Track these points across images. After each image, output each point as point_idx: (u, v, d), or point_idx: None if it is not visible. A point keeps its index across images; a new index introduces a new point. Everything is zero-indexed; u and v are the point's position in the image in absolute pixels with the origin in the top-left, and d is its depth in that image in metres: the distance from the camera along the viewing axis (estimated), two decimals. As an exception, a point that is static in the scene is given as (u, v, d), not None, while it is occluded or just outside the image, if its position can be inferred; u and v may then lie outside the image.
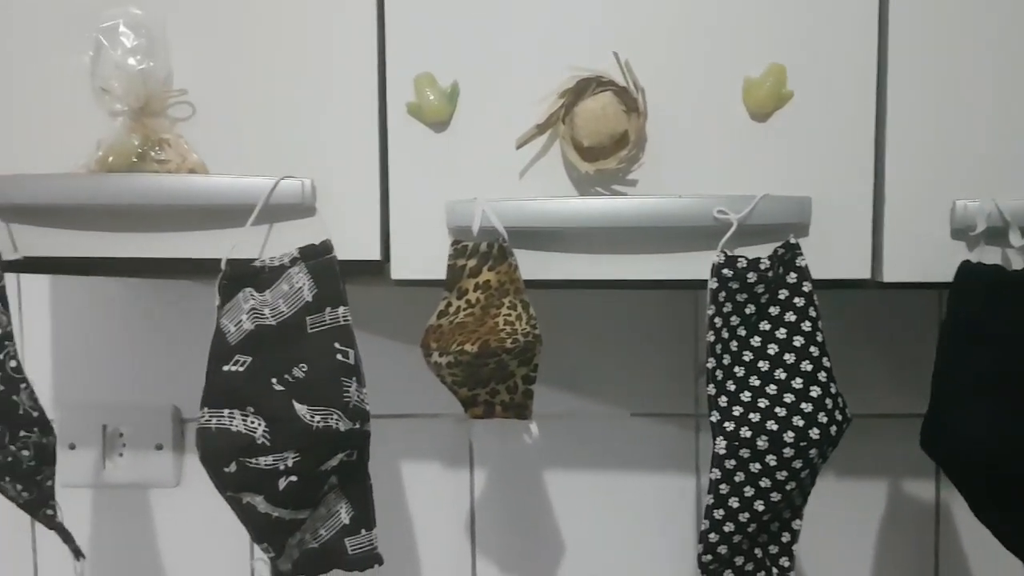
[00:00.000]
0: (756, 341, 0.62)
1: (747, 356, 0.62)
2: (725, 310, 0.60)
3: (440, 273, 0.64)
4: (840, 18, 0.61)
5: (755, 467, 0.60)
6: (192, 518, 0.96)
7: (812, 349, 0.61)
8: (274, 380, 0.63)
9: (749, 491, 0.60)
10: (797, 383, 0.60)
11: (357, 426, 0.64)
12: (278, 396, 0.62)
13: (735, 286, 0.60)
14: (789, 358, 0.61)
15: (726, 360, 0.61)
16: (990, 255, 0.61)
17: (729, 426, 0.60)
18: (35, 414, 0.61)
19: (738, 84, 0.61)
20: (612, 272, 0.62)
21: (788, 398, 0.60)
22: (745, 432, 0.59)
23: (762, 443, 0.59)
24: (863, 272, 0.62)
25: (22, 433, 0.60)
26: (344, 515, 0.67)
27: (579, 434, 0.95)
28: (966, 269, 0.60)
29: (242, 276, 0.63)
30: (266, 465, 0.61)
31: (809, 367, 0.60)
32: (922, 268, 0.61)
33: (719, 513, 0.61)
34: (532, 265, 0.63)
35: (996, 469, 0.58)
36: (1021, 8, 0.60)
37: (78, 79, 0.63)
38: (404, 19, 0.63)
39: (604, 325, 0.94)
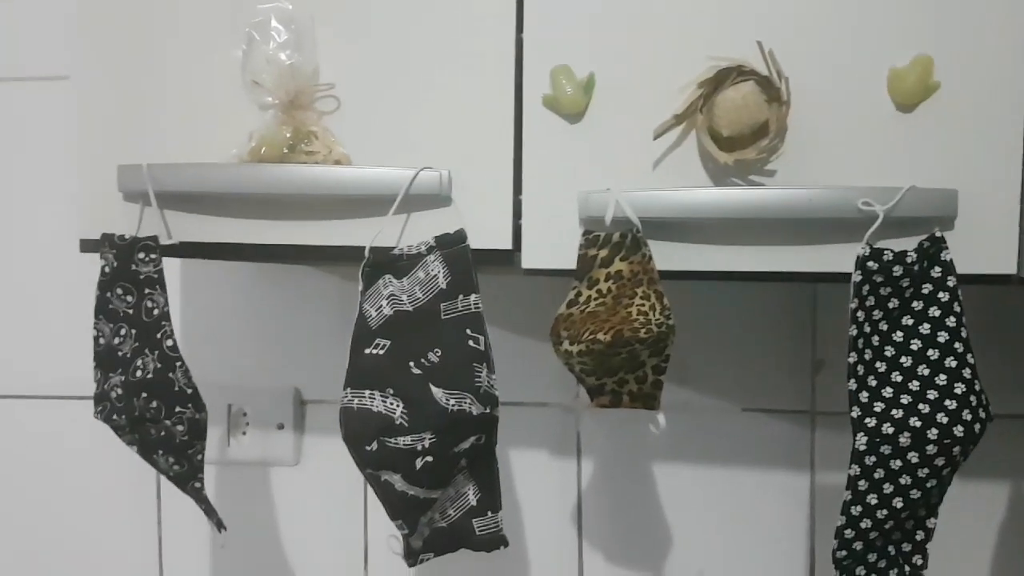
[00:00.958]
0: (898, 336, 0.61)
1: (889, 351, 0.60)
2: (868, 304, 0.59)
3: (570, 263, 0.65)
4: (988, 8, 0.59)
5: (896, 464, 0.59)
6: (310, 496, 1.00)
7: (956, 345, 0.59)
8: (412, 364, 0.65)
9: (888, 488, 0.59)
10: (941, 379, 0.59)
11: (487, 411, 0.66)
12: (416, 379, 0.64)
13: (879, 279, 0.59)
14: (932, 354, 0.60)
15: (867, 355, 0.60)
16: None
17: (870, 422, 0.59)
18: (189, 391, 0.64)
19: (883, 75, 0.60)
20: (750, 264, 0.62)
21: (931, 395, 0.59)
22: (887, 428, 0.58)
23: (904, 440, 0.58)
24: (1009, 267, 0.61)
25: (177, 409, 0.64)
26: (472, 497, 0.69)
27: (688, 428, 0.95)
28: None
29: (382, 263, 0.66)
30: (404, 445, 0.63)
31: (953, 363, 0.59)
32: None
33: (856, 509, 0.60)
34: (666, 256, 0.63)
35: None
36: None
37: (231, 73, 0.66)
38: (542, 12, 0.64)
39: (717, 318, 0.93)
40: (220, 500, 1.01)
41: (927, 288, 0.60)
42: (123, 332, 0.65)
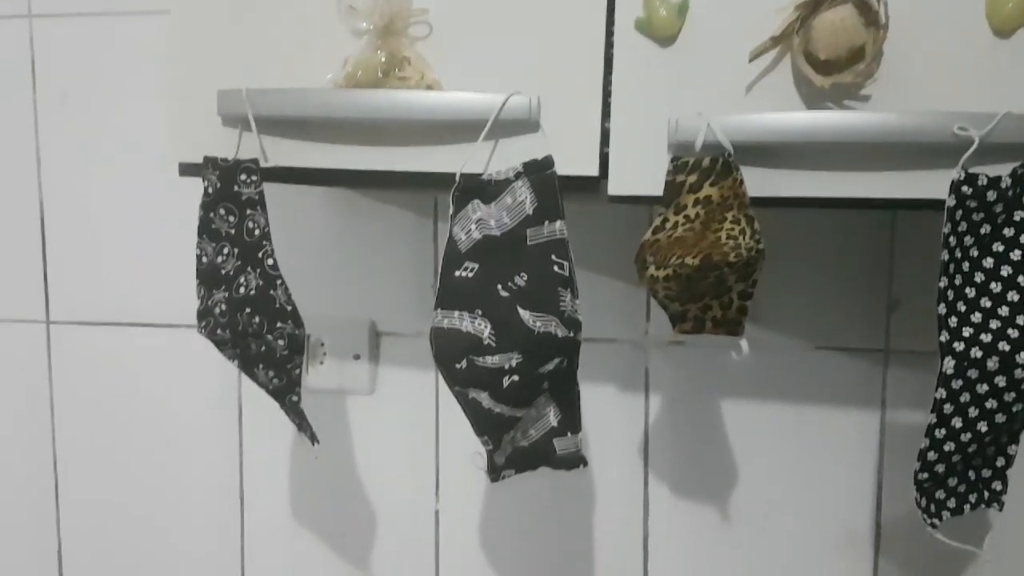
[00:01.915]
0: (989, 263, 0.60)
1: (979, 277, 0.60)
2: (960, 229, 0.60)
3: (656, 190, 0.66)
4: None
5: (983, 388, 0.59)
6: (384, 423, 1.04)
7: (1050, 271, 0.59)
8: (499, 287, 0.67)
9: (974, 411, 0.60)
10: (1035, 302, 0.59)
11: (571, 334, 0.67)
12: (503, 301, 0.66)
13: (973, 204, 0.59)
14: (1023, 280, 0.59)
15: (958, 280, 0.60)
16: None
17: (959, 346, 0.59)
18: (289, 308, 0.67)
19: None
20: (844, 190, 0.62)
21: (1021, 320, 0.59)
22: (975, 352, 0.59)
23: (992, 364, 0.58)
24: (1110, 194, 0.60)
25: (278, 324, 0.67)
26: (552, 418, 0.71)
27: (760, 365, 0.96)
28: None
29: (472, 188, 0.67)
30: (492, 364, 0.66)
31: (1049, 289, 0.59)
32: None
33: (940, 432, 0.61)
34: (757, 181, 0.63)
35: None
36: None
37: (323, 11, 0.68)
38: (635, -65, 0.63)
39: (793, 255, 0.93)
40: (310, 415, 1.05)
41: (1020, 215, 0.60)
42: (226, 251, 0.68)
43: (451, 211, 0.67)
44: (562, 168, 0.67)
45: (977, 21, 0.60)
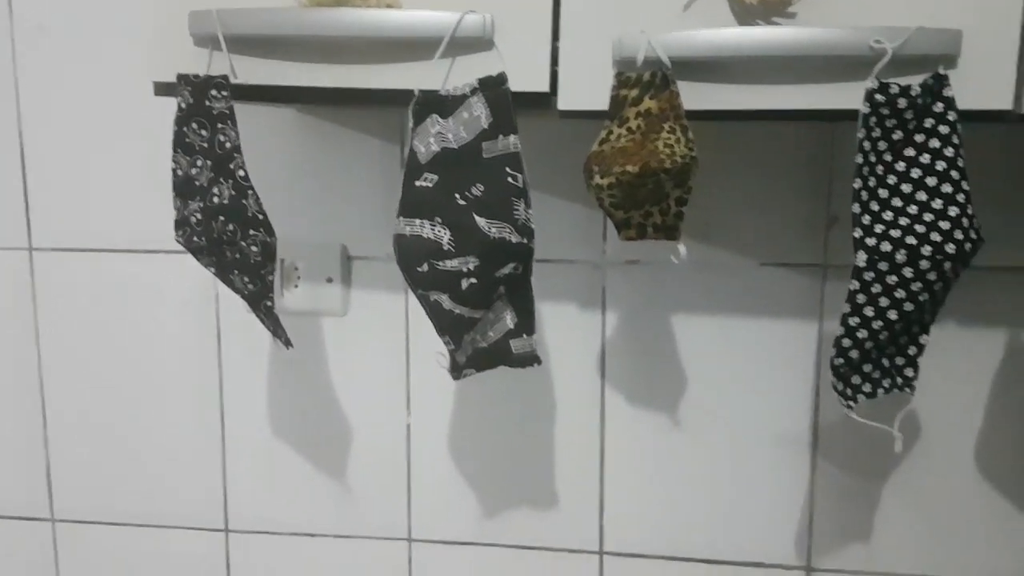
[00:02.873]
0: (901, 166, 0.66)
1: (891, 179, 0.66)
2: (874, 135, 0.65)
3: (603, 104, 0.71)
4: None
5: (892, 279, 0.65)
6: (357, 343, 1.09)
7: (953, 173, 0.65)
8: (457, 196, 0.72)
9: (884, 301, 0.66)
10: (937, 204, 0.65)
11: (525, 241, 0.73)
12: (461, 209, 0.72)
13: (886, 111, 0.64)
14: (931, 181, 0.66)
15: (872, 182, 0.66)
16: None
17: (871, 241, 0.65)
18: (260, 217, 0.72)
19: (901, -83, 0.64)
20: (770, 102, 0.67)
21: (927, 216, 0.65)
22: (885, 246, 0.65)
23: (901, 256, 0.65)
24: (1006, 104, 0.66)
25: (251, 232, 0.71)
26: (509, 321, 0.77)
27: (708, 282, 1.02)
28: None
29: (430, 103, 0.72)
30: (451, 267, 0.71)
31: (949, 189, 0.65)
32: (1070, 98, 0.64)
33: (854, 320, 0.67)
34: (693, 95, 0.69)
35: None
36: None
37: (289, -76, 0.71)
38: None
39: (741, 177, 0.99)
40: (277, 344, 1.11)
41: (929, 122, 0.66)
42: (199, 163, 0.72)
43: (410, 124, 0.72)
44: (515, 84, 0.71)
45: (895, -57, 0.65)
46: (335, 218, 1.07)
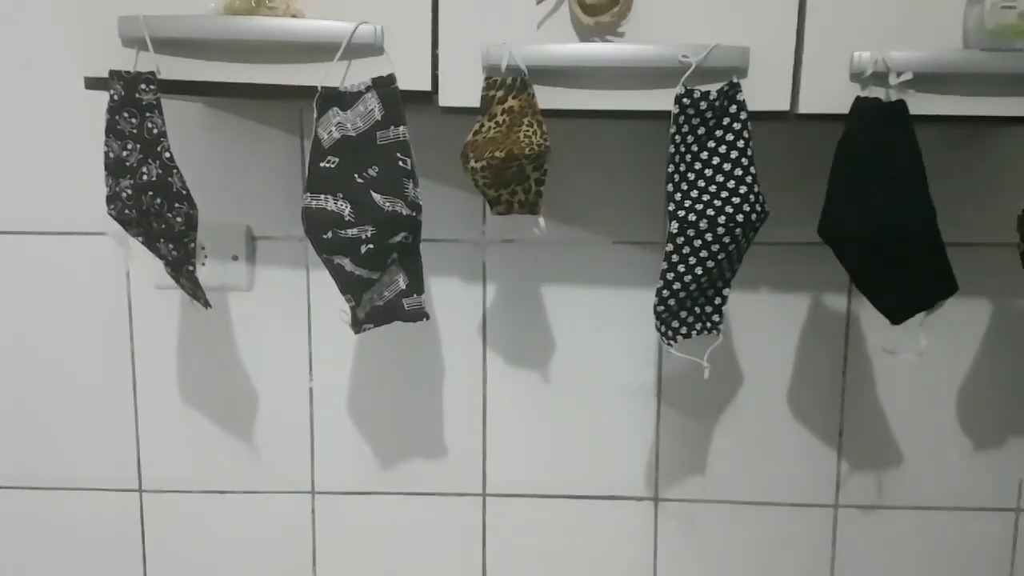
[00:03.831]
0: (704, 155, 0.86)
1: (697, 165, 0.86)
2: (683, 130, 0.84)
3: (475, 102, 0.87)
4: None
5: (697, 242, 0.84)
6: (262, 316, 1.21)
7: (744, 160, 0.85)
8: (356, 175, 0.86)
9: (692, 260, 0.85)
10: (731, 184, 0.85)
11: (414, 214, 0.88)
12: (360, 187, 0.86)
13: (691, 112, 0.83)
14: (726, 167, 0.85)
15: (682, 167, 0.85)
16: (875, 93, 0.84)
17: (681, 213, 0.84)
18: (184, 192, 0.84)
19: (700, -38, 0.83)
20: (603, 103, 0.85)
21: (723, 194, 0.84)
22: (691, 216, 0.84)
23: (703, 224, 0.84)
24: (784, 106, 0.86)
25: (176, 205, 0.83)
26: (401, 283, 0.92)
27: (571, 258, 1.20)
28: (858, 102, 0.83)
29: (331, 97, 0.86)
30: (351, 235, 0.86)
31: (740, 172, 0.85)
32: (828, 102, 0.85)
33: (670, 275, 0.86)
34: (546, 97, 0.86)
35: (866, 243, 0.83)
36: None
37: (207, -57, 0.84)
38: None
39: (591, 166, 1.17)
40: (184, 320, 1.22)
41: (725, 120, 0.85)
42: (129, 147, 0.84)
43: (315, 115, 0.86)
44: (403, 84, 0.86)
45: (699, -20, 0.84)
46: (240, 201, 1.19)
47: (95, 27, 0.86)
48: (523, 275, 1.21)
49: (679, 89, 0.83)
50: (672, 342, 0.90)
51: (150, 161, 0.83)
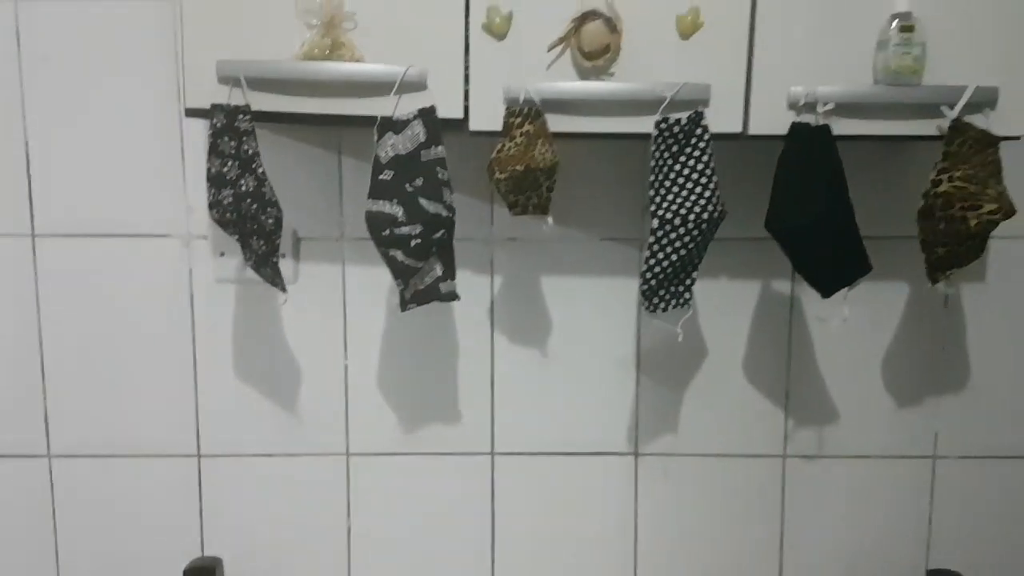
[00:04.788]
0: (677, 167, 1.11)
1: (672, 175, 1.11)
2: (661, 149, 1.09)
3: (498, 127, 1.11)
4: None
5: (673, 235, 1.09)
6: (305, 303, 1.43)
7: (708, 171, 1.10)
8: (407, 185, 1.10)
9: (669, 249, 1.10)
10: (698, 190, 1.10)
11: (451, 216, 1.11)
12: (410, 194, 1.09)
13: (667, 134, 1.09)
14: (694, 176, 1.10)
15: (660, 177, 1.10)
16: (807, 118, 1.10)
17: (660, 212, 1.09)
18: (274, 199, 1.06)
19: (672, 17, 1.09)
20: (600, 128, 1.10)
21: (692, 197, 1.09)
22: (667, 215, 1.09)
23: (678, 221, 1.09)
24: (737, 128, 1.12)
25: (268, 209, 1.06)
26: (439, 270, 1.15)
27: (567, 252, 1.44)
28: (794, 126, 1.09)
29: (387, 124, 1.09)
30: (404, 232, 1.09)
31: (704, 180, 1.10)
32: (771, 125, 1.11)
33: (652, 262, 1.11)
34: (555, 123, 1.10)
35: (801, 234, 1.09)
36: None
37: (289, 5, 1.07)
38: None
39: (586, 176, 1.42)
40: (240, 306, 1.43)
41: (693, 140, 1.10)
42: (229, 164, 1.06)
43: (375, 138, 1.09)
44: (442, 113, 1.10)
45: (670, 30, 1.09)
46: (288, 207, 1.40)
47: (197, 68, 1.08)
48: (524, 267, 1.45)
49: (658, 117, 1.08)
50: (653, 311, 1.15)
51: (247, 175, 1.06)
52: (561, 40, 1.08)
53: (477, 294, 1.45)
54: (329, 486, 1.48)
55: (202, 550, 1.49)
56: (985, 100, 1.09)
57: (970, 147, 1.08)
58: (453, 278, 1.16)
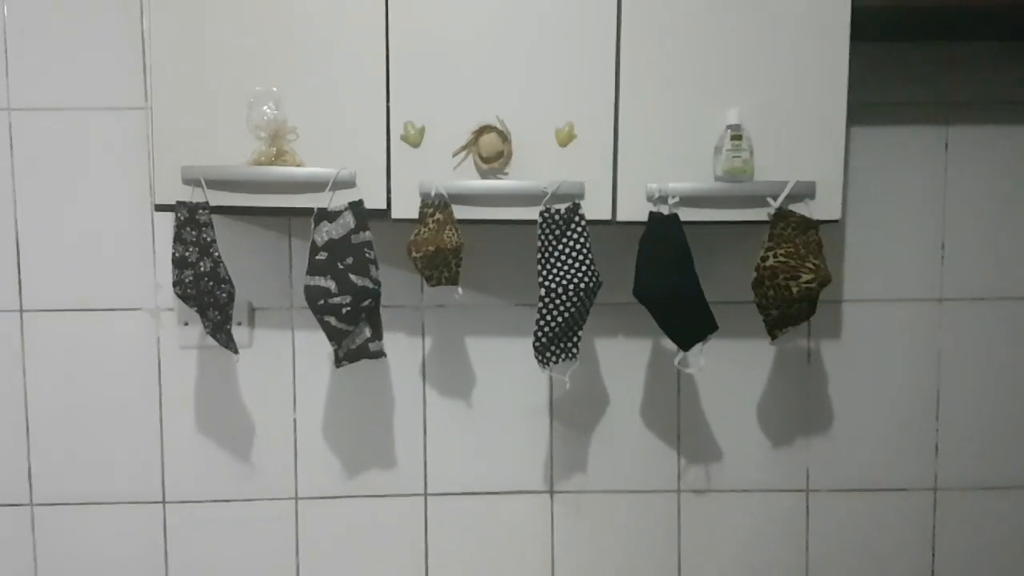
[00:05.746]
0: (559, 247, 1.37)
1: (556, 253, 1.36)
2: (545, 232, 1.35)
3: (415, 215, 1.36)
4: (586, 92, 1.36)
5: (557, 301, 1.35)
6: (259, 364, 1.65)
7: (584, 249, 1.36)
8: (339, 263, 1.34)
9: (556, 313, 1.35)
10: (576, 264, 1.35)
11: (376, 287, 1.36)
12: (341, 271, 1.34)
13: (550, 221, 1.35)
14: (573, 254, 1.36)
15: (546, 254, 1.36)
16: (661, 208, 1.37)
17: (546, 282, 1.34)
18: (227, 277, 1.30)
19: (552, 130, 1.36)
20: (496, 215, 1.36)
21: (571, 271, 1.35)
22: (552, 285, 1.34)
23: (560, 290, 1.34)
24: (607, 216, 1.38)
25: (223, 285, 1.29)
26: (367, 333, 1.39)
27: (482, 316, 1.68)
28: (651, 215, 1.36)
29: (322, 215, 1.34)
30: (337, 302, 1.32)
31: (582, 256, 1.36)
32: (633, 214, 1.37)
33: (542, 323, 1.36)
34: (460, 211, 1.36)
35: (658, 299, 1.35)
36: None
37: (241, 120, 1.33)
38: (401, 94, 1.35)
39: (496, 254, 1.67)
40: (201, 369, 1.65)
41: (572, 225, 1.36)
42: (191, 250, 1.30)
43: (312, 227, 1.34)
44: (368, 204, 1.35)
45: (551, 140, 1.36)
46: (245, 282, 1.65)
47: (163, 171, 1.33)
48: (451, 330, 1.69)
49: (542, 207, 1.34)
50: (545, 365, 1.39)
51: (205, 258, 1.30)
52: (464, 148, 1.35)
53: (410, 353, 1.68)
54: (279, 528, 1.68)
55: (165, 587, 1.67)
56: (805, 192, 1.37)
57: (793, 229, 1.35)
58: (380, 339, 1.40)
